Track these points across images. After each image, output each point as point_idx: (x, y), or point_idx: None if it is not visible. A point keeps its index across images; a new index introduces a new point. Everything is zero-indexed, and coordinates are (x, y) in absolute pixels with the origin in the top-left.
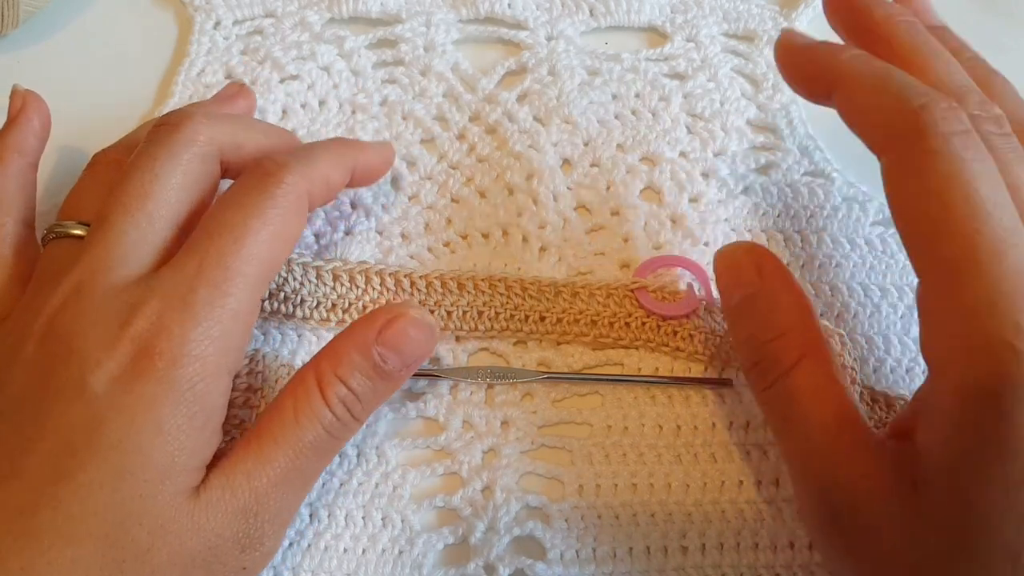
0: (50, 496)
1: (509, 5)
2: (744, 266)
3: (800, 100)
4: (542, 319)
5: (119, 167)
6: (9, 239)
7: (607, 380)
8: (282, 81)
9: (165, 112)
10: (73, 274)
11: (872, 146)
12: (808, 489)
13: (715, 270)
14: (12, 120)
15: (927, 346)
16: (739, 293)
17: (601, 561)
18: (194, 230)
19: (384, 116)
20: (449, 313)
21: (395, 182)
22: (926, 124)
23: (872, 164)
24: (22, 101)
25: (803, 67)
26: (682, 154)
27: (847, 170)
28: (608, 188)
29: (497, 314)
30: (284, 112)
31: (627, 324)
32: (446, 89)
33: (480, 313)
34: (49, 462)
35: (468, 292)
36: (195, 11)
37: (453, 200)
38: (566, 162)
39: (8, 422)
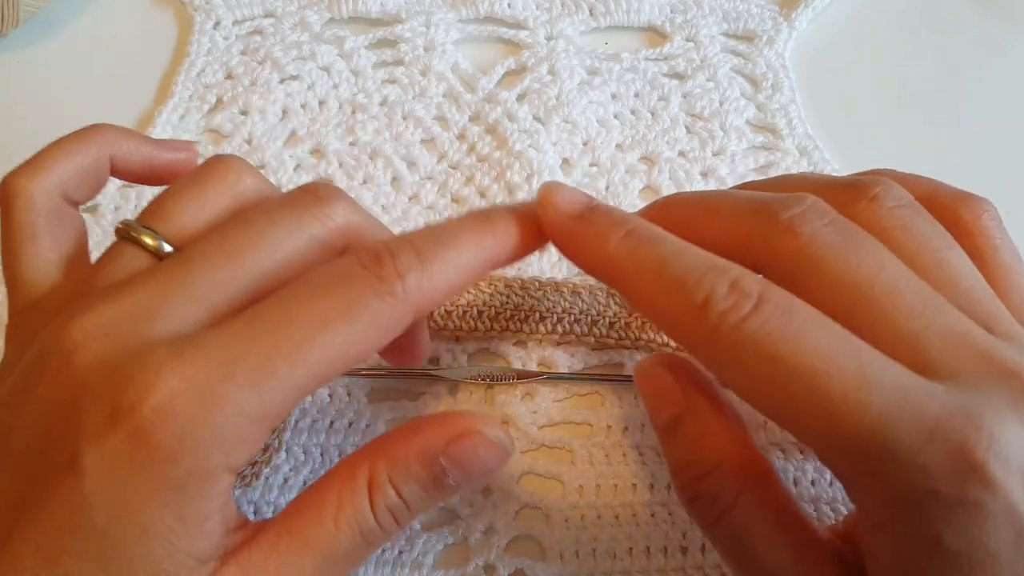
0: None
1: (509, 5)
2: (666, 384)
3: (799, 100)
4: (542, 319)
5: (236, 198)
6: (39, 208)
7: (607, 380)
8: (282, 81)
9: (165, 112)
10: (117, 308)
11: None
12: None
13: (637, 388)
14: (139, 134)
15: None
16: (665, 414)
17: (601, 561)
18: (261, 302)
19: (384, 116)
20: (449, 313)
21: (395, 182)
22: (717, 318)
23: (870, 166)
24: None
25: (578, 250)
26: (681, 154)
27: (845, 170)
28: (607, 188)
29: (497, 314)
30: (284, 112)
31: (627, 324)
32: (446, 89)
33: (480, 313)
34: (36, 540)
35: (468, 292)
36: (195, 11)
37: (453, 200)
38: (566, 162)
39: (10, 478)
